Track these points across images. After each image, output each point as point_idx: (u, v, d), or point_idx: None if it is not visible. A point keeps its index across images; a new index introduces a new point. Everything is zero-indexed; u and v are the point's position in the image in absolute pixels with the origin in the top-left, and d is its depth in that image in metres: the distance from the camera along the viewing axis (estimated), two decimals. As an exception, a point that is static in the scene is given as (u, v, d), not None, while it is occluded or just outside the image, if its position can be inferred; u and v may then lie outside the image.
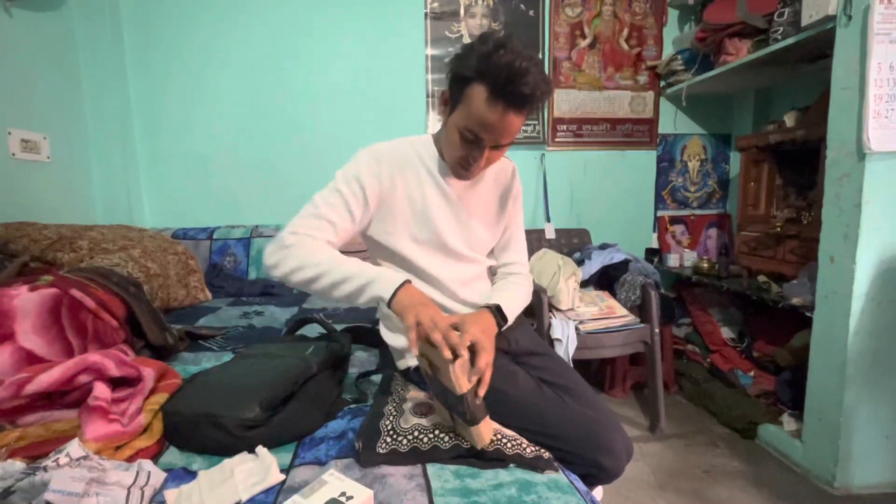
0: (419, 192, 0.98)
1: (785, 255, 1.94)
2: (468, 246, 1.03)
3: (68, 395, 0.77)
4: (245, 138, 2.36)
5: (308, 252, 0.86)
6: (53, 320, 0.93)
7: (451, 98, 0.91)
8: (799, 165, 2.02)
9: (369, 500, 0.61)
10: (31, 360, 0.87)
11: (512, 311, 0.99)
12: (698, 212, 2.67)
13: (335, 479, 0.62)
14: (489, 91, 0.82)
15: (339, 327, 1.19)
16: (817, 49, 1.71)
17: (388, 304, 0.82)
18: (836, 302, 1.49)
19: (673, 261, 2.50)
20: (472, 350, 0.78)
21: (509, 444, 0.75)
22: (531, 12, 2.41)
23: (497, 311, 0.94)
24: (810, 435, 1.59)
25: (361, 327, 1.27)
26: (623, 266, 2.06)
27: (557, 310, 1.89)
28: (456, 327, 0.82)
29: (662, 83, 2.52)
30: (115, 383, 0.80)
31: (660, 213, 2.63)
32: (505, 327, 0.97)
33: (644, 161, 2.59)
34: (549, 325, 1.80)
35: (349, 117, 2.37)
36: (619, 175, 2.57)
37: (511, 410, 0.87)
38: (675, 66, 2.37)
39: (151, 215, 2.37)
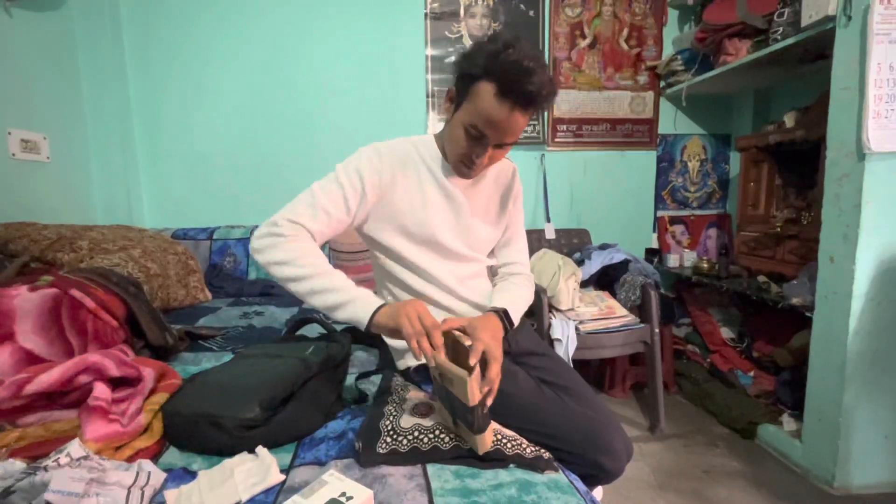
0: (419, 190, 0.98)
1: (785, 255, 1.94)
2: (467, 245, 1.03)
3: (68, 396, 0.77)
4: (245, 138, 2.36)
5: (299, 250, 0.86)
6: (53, 320, 0.93)
7: (458, 95, 0.91)
8: (799, 166, 2.02)
9: (369, 501, 0.61)
10: (31, 360, 0.87)
11: (517, 314, 0.99)
12: (698, 212, 2.67)
13: (335, 480, 0.62)
14: (497, 89, 0.83)
15: (339, 327, 1.19)
16: (817, 49, 1.71)
17: (368, 327, 0.83)
18: (835, 302, 1.49)
19: (673, 261, 2.50)
20: (483, 358, 0.78)
21: (509, 445, 0.75)
22: (531, 12, 2.41)
23: (503, 315, 0.94)
24: (810, 435, 1.59)
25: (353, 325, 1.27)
26: (623, 266, 2.07)
27: (557, 310, 1.89)
28: (464, 331, 0.82)
29: (662, 83, 2.52)
30: (115, 383, 0.80)
31: (660, 214, 2.63)
32: (510, 331, 0.97)
33: (644, 161, 2.59)
34: (549, 325, 1.80)
35: (349, 117, 2.37)
36: (619, 175, 2.57)
37: (511, 410, 0.87)
38: (675, 66, 2.37)
39: (151, 215, 2.37)
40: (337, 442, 0.78)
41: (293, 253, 0.86)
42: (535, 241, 2.34)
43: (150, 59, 2.27)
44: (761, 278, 1.99)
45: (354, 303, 0.84)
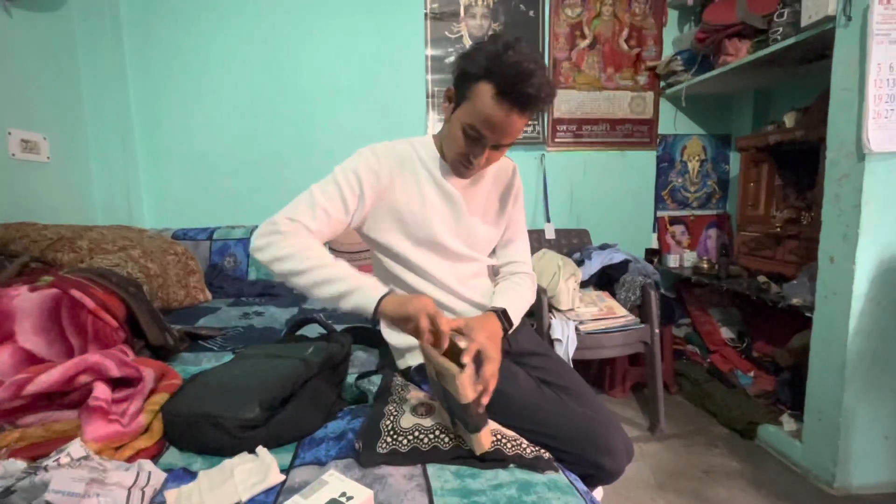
0: (418, 191, 0.98)
1: (785, 255, 1.94)
2: (467, 245, 1.03)
3: (68, 396, 0.77)
4: (245, 138, 2.36)
5: (300, 245, 0.86)
6: (53, 321, 0.93)
7: (457, 95, 0.91)
8: (798, 166, 2.02)
9: (369, 501, 0.61)
10: (31, 360, 0.87)
11: (517, 314, 0.99)
12: (698, 212, 2.67)
13: (335, 480, 0.62)
14: (496, 89, 0.83)
15: (339, 327, 1.19)
16: (817, 49, 1.71)
17: (374, 315, 0.82)
18: (835, 302, 1.49)
19: (673, 261, 2.50)
20: (478, 358, 0.78)
21: (509, 445, 0.75)
22: (531, 13, 2.41)
23: (503, 315, 0.94)
24: (810, 435, 1.59)
25: (361, 327, 1.27)
26: (623, 266, 2.07)
27: (557, 310, 1.89)
28: (461, 331, 0.82)
29: (662, 83, 2.52)
30: (116, 384, 0.80)
31: (659, 214, 2.63)
32: (511, 331, 0.97)
33: (644, 161, 2.59)
34: (549, 325, 1.80)
35: (349, 117, 2.37)
36: (618, 175, 2.57)
37: (511, 410, 0.88)
38: (675, 66, 2.37)
39: (151, 215, 2.37)
40: (337, 442, 0.78)
41: (294, 248, 0.86)
42: (535, 241, 2.34)
43: (150, 59, 2.27)
44: (761, 278, 1.99)
45: (360, 291, 0.84)
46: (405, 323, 0.81)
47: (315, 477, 0.64)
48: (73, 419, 0.74)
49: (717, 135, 2.64)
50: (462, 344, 0.81)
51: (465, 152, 0.92)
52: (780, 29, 1.75)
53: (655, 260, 2.51)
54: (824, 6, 1.48)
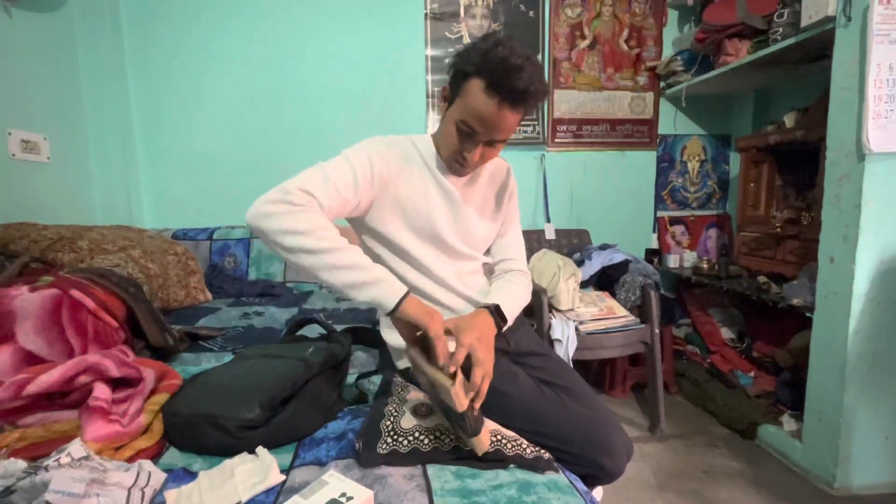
0: (421, 186, 0.98)
1: (785, 255, 1.94)
2: (465, 243, 1.04)
3: (68, 396, 0.77)
4: (245, 138, 2.36)
5: (318, 222, 0.80)
6: (54, 321, 0.93)
7: (451, 92, 0.93)
8: (798, 166, 2.02)
9: (369, 501, 0.61)
10: (31, 360, 0.87)
11: (512, 311, 0.98)
12: (698, 212, 2.67)
13: (335, 480, 0.62)
14: (485, 84, 0.84)
15: (339, 328, 1.19)
16: (817, 50, 1.71)
17: (392, 312, 0.79)
18: (835, 302, 1.49)
19: (673, 261, 2.50)
20: (467, 361, 0.77)
21: (509, 445, 0.75)
22: (531, 13, 2.41)
23: (496, 311, 0.94)
24: (810, 435, 1.59)
25: (361, 328, 1.27)
26: (623, 266, 2.07)
27: (557, 310, 1.89)
28: (449, 332, 0.82)
29: (662, 84, 2.52)
30: (116, 384, 0.80)
31: (659, 214, 2.63)
32: (505, 328, 0.97)
33: (644, 161, 2.59)
34: (549, 325, 1.80)
35: (349, 117, 2.37)
36: (618, 175, 2.57)
37: (511, 411, 0.87)
38: (675, 66, 2.37)
39: (151, 215, 2.37)
40: (337, 442, 0.78)
41: (312, 224, 0.79)
42: (535, 241, 2.34)
43: (150, 59, 2.27)
44: (761, 279, 1.99)
45: (380, 284, 0.80)
46: (415, 329, 0.80)
47: (315, 477, 0.64)
48: (74, 419, 0.74)
49: (717, 135, 2.64)
50: (450, 346, 0.80)
51: (458, 148, 0.92)
52: (780, 29, 1.75)
53: (655, 260, 2.52)
54: (824, 6, 1.48)
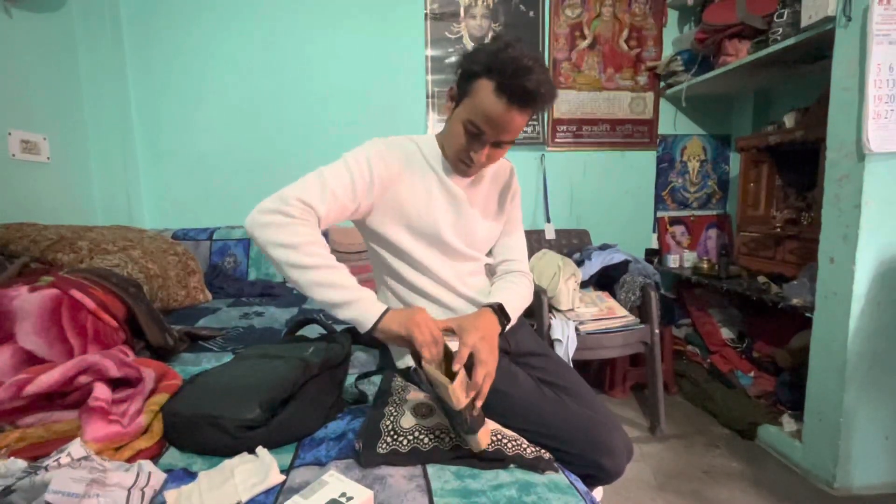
0: (423, 186, 0.98)
1: (785, 255, 1.94)
2: (467, 243, 1.04)
3: (68, 396, 0.77)
4: (245, 138, 2.36)
5: (308, 236, 0.83)
6: (53, 321, 0.93)
7: (458, 92, 0.92)
8: (798, 166, 2.02)
9: (369, 501, 0.61)
10: (31, 360, 0.87)
11: (515, 310, 0.99)
12: (698, 212, 2.67)
13: (335, 480, 0.62)
14: (495, 85, 0.84)
15: (339, 328, 1.19)
16: (817, 50, 1.72)
17: (371, 331, 0.82)
18: (835, 303, 1.49)
19: (673, 261, 2.50)
20: (470, 361, 0.77)
21: (510, 445, 0.75)
22: (531, 13, 2.41)
23: (499, 311, 0.94)
24: (810, 435, 1.59)
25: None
26: (623, 267, 2.07)
27: (557, 310, 1.89)
28: (452, 331, 0.82)
29: (662, 84, 2.52)
30: (116, 384, 0.80)
31: (659, 214, 2.63)
32: (508, 327, 0.97)
33: (644, 162, 2.59)
34: (549, 325, 1.80)
35: (349, 117, 2.37)
36: (618, 176, 2.57)
37: (511, 411, 0.87)
38: (675, 66, 2.37)
39: (151, 216, 2.37)
40: (337, 442, 0.78)
41: (301, 238, 0.82)
42: (535, 241, 2.34)
43: (150, 59, 2.27)
44: (761, 279, 1.99)
45: (358, 304, 0.82)
46: (403, 341, 0.81)
47: (315, 477, 0.64)
48: (74, 419, 0.74)
49: (717, 135, 2.64)
50: (453, 346, 0.80)
51: (465, 149, 0.92)
52: (780, 29, 1.75)
53: (655, 260, 2.51)
54: (824, 6, 1.48)
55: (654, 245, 2.61)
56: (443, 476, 0.69)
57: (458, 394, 0.69)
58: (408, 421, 0.79)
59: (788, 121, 1.96)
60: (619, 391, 2.23)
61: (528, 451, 0.76)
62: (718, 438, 1.86)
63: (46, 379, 0.73)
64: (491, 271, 1.15)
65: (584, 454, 0.85)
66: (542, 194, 2.50)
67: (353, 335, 1.14)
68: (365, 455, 0.71)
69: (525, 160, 2.46)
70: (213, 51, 2.29)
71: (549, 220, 2.47)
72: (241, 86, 2.33)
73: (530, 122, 2.45)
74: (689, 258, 2.52)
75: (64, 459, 0.61)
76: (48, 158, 1.88)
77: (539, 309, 1.79)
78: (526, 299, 1.06)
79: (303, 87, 2.35)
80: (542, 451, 0.77)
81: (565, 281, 1.87)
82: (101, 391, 0.75)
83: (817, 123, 1.64)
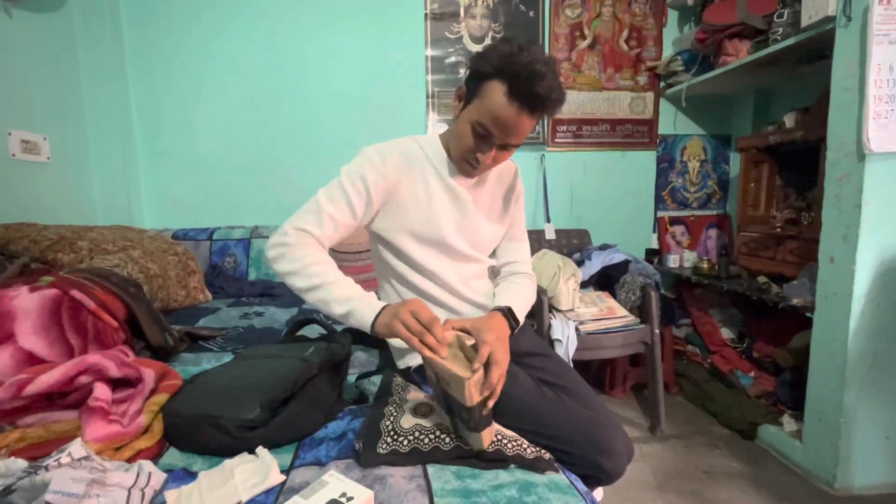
0: (424, 189, 0.98)
1: (785, 255, 1.94)
2: (472, 245, 1.03)
3: (68, 396, 0.77)
4: (245, 138, 2.36)
5: (306, 258, 0.87)
6: (54, 321, 0.93)
7: (468, 93, 0.92)
8: (799, 166, 2.02)
9: (370, 501, 0.61)
10: (31, 360, 0.87)
11: (521, 314, 0.99)
12: (698, 212, 2.67)
13: (335, 480, 0.62)
14: (507, 88, 0.84)
15: (339, 328, 1.19)
16: (817, 50, 1.71)
17: (371, 331, 0.83)
18: (836, 302, 1.49)
19: (673, 261, 2.50)
20: (486, 361, 0.77)
21: (510, 445, 0.75)
22: (531, 13, 2.41)
23: (509, 314, 0.94)
24: (810, 436, 1.59)
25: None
26: (623, 267, 2.07)
27: (557, 310, 1.89)
28: (467, 331, 0.82)
29: (662, 84, 2.52)
30: (116, 384, 0.80)
31: (660, 214, 2.63)
32: (516, 330, 0.97)
33: (644, 162, 2.59)
34: (549, 325, 1.80)
35: (349, 117, 2.37)
36: (618, 176, 2.57)
37: (511, 411, 0.87)
38: (675, 66, 2.37)
39: (151, 216, 2.37)
40: (337, 442, 0.78)
41: (299, 262, 0.86)
42: (535, 241, 2.34)
43: (150, 59, 2.27)
44: (761, 279, 1.99)
45: (355, 313, 0.84)
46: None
47: (315, 477, 0.64)
48: (74, 419, 0.74)
49: (717, 135, 2.64)
50: (469, 342, 0.80)
51: (472, 150, 0.92)
52: (780, 29, 1.75)
53: (655, 260, 2.51)
54: (824, 6, 1.48)
55: (654, 245, 2.61)
56: (443, 476, 0.69)
57: (473, 390, 0.69)
58: (408, 421, 0.79)
59: (788, 121, 1.96)
60: (619, 391, 2.23)
61: (529, 451, 0.76)
62: (718, 438, 1.86)
63: (46, 379, 0.73)
64: (494, 272, 1.14)
65: (584, 455, 0.85)
66: (542, 194, 2.50)
67: (354, 335, 1.14)
68: (365, 455, 0.71)
69: (525, 160, 2.46)
70: (213, 51, 2.29)
71: (549, 220, 2.47)
72: (241, 86, 2.33)
73: (530, 122, 2.45)
74: (689, 258, 2.52)
75: (64, 459, 0.61)
76: (48, 158, 1.88)
77: (539, 309, 1.79)
78: (531, 301, 1.06)
79: (303, 86, 2.35)
80: (543, 451, 0.77)
81: (565, 281, 1.87)
82: (102, 391, 0.75)
83: (817, 123, 1.64)
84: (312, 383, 0.87)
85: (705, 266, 2.27)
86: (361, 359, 1.17)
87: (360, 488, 0.61)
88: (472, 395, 0.69)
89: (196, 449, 0.76)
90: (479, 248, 1.06)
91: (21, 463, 0.61)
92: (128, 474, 0.63)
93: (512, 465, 0.73)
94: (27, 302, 0.92)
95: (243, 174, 2.37)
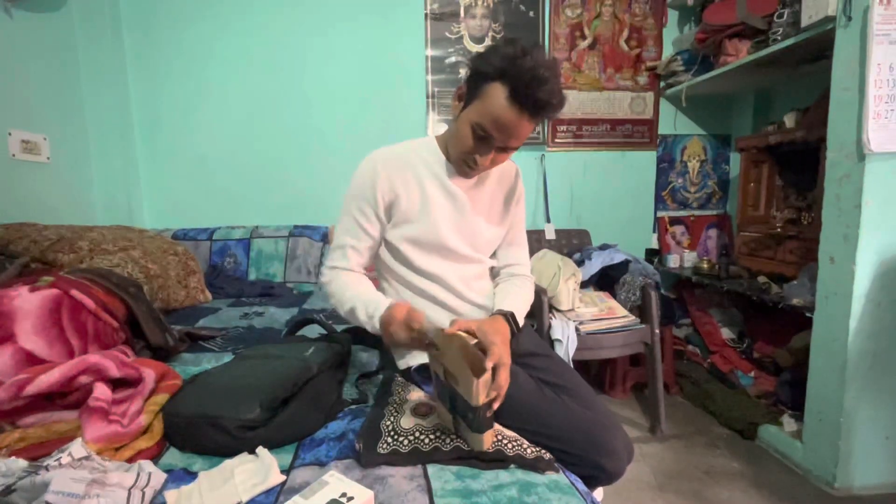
0: (420, 192, 0.98)
1: (785, 255, 1.94)
2: (471, 246, 1.04)
3: (69, 396, 0.77)
4: (245, 138, 2.36)
5: (340, 291, 0.97)
6: (54, 321, 0.93)
7: (468, 93, 0.91)
8: (799, 166, 2.02)
9: (370, 501, 0.61)
10: (31, 360, 0.87)
11: (522, 317, 1.00)
12: (698, 212, 2.67)
13: (336, 480, 0.62)
14: (509, 91, 0.83)
15: (339, 328, 1.19)
16: (817, 50, 1.71)
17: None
18: (836, 303, 1.49)
19: (673, 261, 2.50)
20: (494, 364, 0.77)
21: (510, 445, 0.75)
22: (531, 13, 2.41)
23: (511, 318, 0.94)
24: (811, 435, 1.59)
25: (361, 328, 1.27)
26: (623, 267, 2.07)
27: (557, 310, 1.89)
28: (472, 333, 0.82)
29: (662, 84, 2.52)
30: (116, 384, 0.80)
31: (660, 214, 2.63)
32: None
33: (644, 162, 2.59)
34: (550, 325, 1.79)
35: (349, 117, 2.37)
36: (618, 176, 2.57)
37: (511, 411, 0.87)
38: (675, 66, 2.37)
39: (151, 216, 2.37)
40: (337, 442, 0.78)
41: (333, 298, 0.99)
42: (535, 241, 2.34)
43: (150, 59, 2.27)
44: (761, 279, 1.99)
45: (368, 326, 0.92)
46: (409, 332, 0.83)
47: (315, 477, 0.64)
48: (74, 420, 0.74)
49: (717, 135, 2.64)
50: (473, 342, 0.80)
51: (471, 151, 0.91)
52: (780, 29, 1.75)
53: (655, 260, 2.51)
54: (824, 6, 1.48)
55: (655, 245, 2.61)
56: (443, 476, 0.69)
57: (482, 390, 0.69)
58: (408, 421, 0.79)
59: (788, 121, 1.96)
60: (619, 391, 2.23)
61: (529, 451, 0.76)
62: (718, 438, 1.86)
63: (46, 379, 0.73)
64: (494, 273, 1.14)
65: (584, 455, 0.85)
66: (543, 194, 2.50)
67: (354, 335, 1.14)
68: (365, 455, 0.71)
69: (525, 160, 2.46)
70: (213, 51, 2.29)
71: (549, 220, 2.47)
72: (241, 85, 2.32)
73: (530, 122, 2.45)
74: (690, 258, 2.51)
75: (64, 459, 0.61)
76: (48, 158, 1.88)
77: (539, 309, 1.79)
78: (530, 303, 1.07)
79: (303, 86, 2.35)
80: (543, 451, 0.77)
81: (565, 281, 1.87)
82: (102, 391, 0.75)
83: (817, 123, 1.64)
84: (312, 383, 0.87)
85: (705, 266, 2.27)
86: (362, 359, 1.17)
87: (361, 488, 0.61)
88: (480, 395, 0.69)
89: (196, 449, 0.76)
90: (479, 249, 1.06)
91: (21, 463, 0.61)
92: (128, 474, 0.63)
93: (512, 466, 0.73)
94: (27, 302, 0.92)
95: (243, 174, 2.37)
